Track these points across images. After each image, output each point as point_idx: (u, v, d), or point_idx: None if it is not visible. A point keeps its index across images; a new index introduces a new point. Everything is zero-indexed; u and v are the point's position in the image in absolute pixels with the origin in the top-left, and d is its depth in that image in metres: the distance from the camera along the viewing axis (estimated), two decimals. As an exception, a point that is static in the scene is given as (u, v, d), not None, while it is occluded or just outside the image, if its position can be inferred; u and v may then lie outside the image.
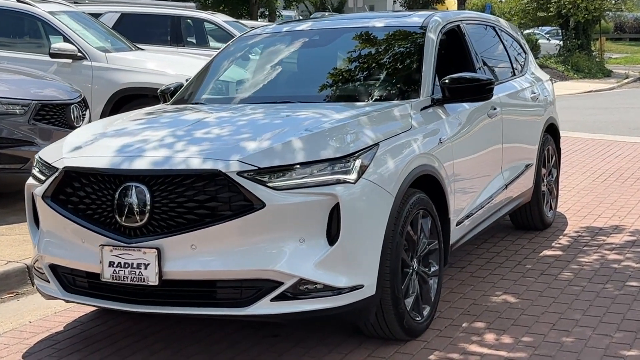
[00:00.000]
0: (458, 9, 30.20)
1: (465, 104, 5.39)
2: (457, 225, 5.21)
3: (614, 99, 22.37)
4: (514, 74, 6.80)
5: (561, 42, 31.90)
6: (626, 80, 27.97)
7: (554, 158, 7.36)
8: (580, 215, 7.72)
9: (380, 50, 5.57)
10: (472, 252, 6.52)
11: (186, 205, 4.01)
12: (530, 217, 7.03)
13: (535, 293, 5.47)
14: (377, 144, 4.32)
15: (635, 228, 7.14)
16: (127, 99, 9.57)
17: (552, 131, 7.34)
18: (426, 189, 4.80)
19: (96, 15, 12.51)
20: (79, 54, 9.65)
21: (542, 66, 28.08)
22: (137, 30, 12.55)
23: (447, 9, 43.17)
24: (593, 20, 31.09)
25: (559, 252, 6.46)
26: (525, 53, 7.37)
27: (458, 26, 6.00)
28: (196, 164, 4.05)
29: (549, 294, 5.45)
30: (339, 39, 5.72)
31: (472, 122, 5.50)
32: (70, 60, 9.65)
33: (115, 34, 11.05)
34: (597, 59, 31.54)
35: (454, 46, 6.05)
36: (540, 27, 36.78)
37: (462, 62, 5.94)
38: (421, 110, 4.98)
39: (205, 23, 13.56)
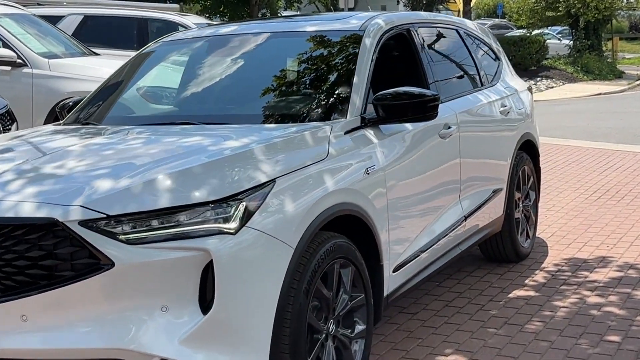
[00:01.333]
0: (463, 9, 29.24)
1: (408, 124, 4.49)
2: (394, 271, 4.31)
3: (623, 102, 21.33)
4: (481, 85, 5.89)
5: (571, 43, 30.84)
6: (638, 82, 26.89)
7: (531, 179, 6.44)
8: (564, 243, 6.79)
9: (306, 59, 4.67)
10: (431, 292, 5.61)
11: (15, 263, 3.13)
12: (502, 248, 6.11)
13: (492, 351, 4.55)
14: (272, 181, 3.42)
15: (624, 260, 6.20)
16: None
17: (529, 148, 6.42)
18: (350, 231, 3.91)
19: (58, 18, 11.68)
20: (19, 60, 8.80)
21: (550, 68, 27.10)
22: (101, 33, 11.71)
23: (458, 9, 42.20)
24: (604, 19, 29.99)
25: (532, 293, 5.54)
26: (498, 60, 6.45)
27: (408, 30, 5.10)
28: (28, 210, 3.16)
29: (509, 352, 4.53)
30: (262, 46, 4.83)
31: (416, 146, 4.60)
32: (9, 68, 8.80)
33: (70, 38, 10.20)
34: (608, 60, 30.44)
35: (401, 54, 5.16)
36: (551, 27, 35.71)
37: (411, 74, 5.05)
38: (346, 133, 4.08)
39: (178, 27, 12.70)
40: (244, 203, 3.26)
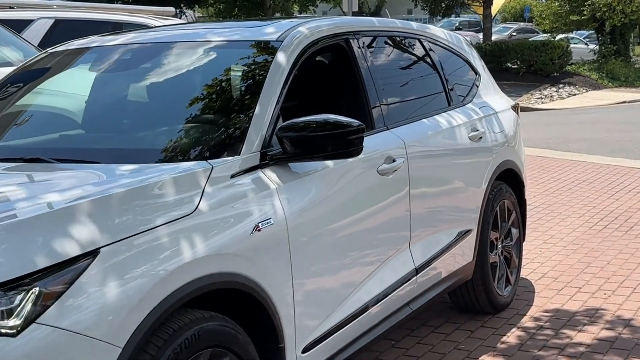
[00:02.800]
0: (484, 12, 28.10)
1: (328, 161, 3.54)
2: (304, 352, 3.36)
3: (648, 111, 20.18)
4: (448, 105, 4.92)
5: (596, 48, 29.62)
6: (666, 89, 25.66)
7: (513, 215, 5.45)
8: (554, 288, 5.79)
9: (198, 78, 3.73)
10: (384, 356, 4.65)
11: None
12: (475, 298, 5.13)
13: None
14: (91, 253, 2.48)
15: (620, 315, 5.19)
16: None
17: (510, 178, 5.44)
18: (232, 307, 2.98)
19: (27, 22, 10.83)
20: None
21: (574, 74, 25.91)
22: (72, 38, 10.81)
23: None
24: (631, 23, 28.75)
25: None
26: (476, 75, 5.47)
27: (347, 40, 4.14)
28: None
29: None
30: (152, 60, 3.90)
31: (341, 187, 3.65)
32: None
33: (28, 43, 9.34)
34: (635, 66, 29.18)
35: (336, 71, 4.23)
36: (577, 31, 34.49)
37: (347, 96, 4.11)
38: (235, 175, 3.14)
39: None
40: (37, 289, 2.32)
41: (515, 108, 5.83)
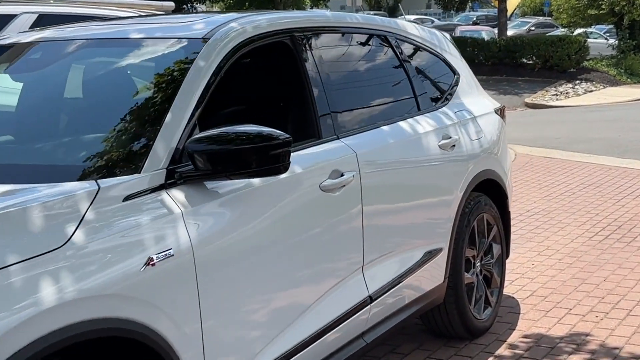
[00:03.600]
0: (499, 6, 27.45)
1: (255, 179, 3.06)
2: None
3: (666, 108, 19.52)
4: (418, 110, 4.41)
5: (615, 42, 28.89)
6: (686, 86, 24.92)
7: (494, 229, 4.94)
8: (541, 309, 5.27)
9: (106, 81, 3.26)
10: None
11: None
12: (448, 322, 4.63)
13: None
14: None
15: (610, 343, 4.67)
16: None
17: (491, 189, 4.93)
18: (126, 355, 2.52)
19: (10, 17, 10.39)
20: None
21: (591, 70, 25.25)
22: (56, 35, 10.38)
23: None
24: (651, 18, 28.00)
25: (472, 396, 4.07)
26: (455, 75, 4.96)
27: (292, 38, 3.65)
28: None
29: None
30: (56, 60, 3.42)
31: (270, 207, 3.16)
32: None
33: None
34: (656, 61, 28.43)
35: (276, 74, 3.74)
36: (595, 26, 33.73)
37: (289, 102, 3.63)
38: (130, 198, 2.65)
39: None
40: None
41: (500, 111, 5.31)
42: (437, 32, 5.08)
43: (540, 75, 24.89)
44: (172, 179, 2.80)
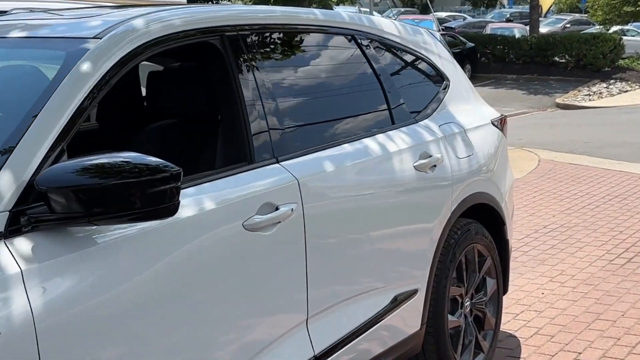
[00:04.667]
0: (530, 2, 26.48)
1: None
2: None
3: None
4: (392, 123, 3.70)
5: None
6: None
7: (488, 261, 4.21)
8: (546, 353, 4.54)
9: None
10: None
11: None
12: (430, 375, 3.91)
13: None
14: None
15: (623, 401, 3.93)
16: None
17: (484, 214, 4.21)
18: None
19: (1, 13, 9.81)
20: None
21: (627, 69, 24.22)
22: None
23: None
24: (690, 14, 26.92)
25: None
26: (443, 80, 4.24)
27: (221, 39, 2.96)
28: None
29: None
30: None
31: (168, 256, 2.46)
32: None
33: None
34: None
35: (199, 84, 3.05)
36: (633, 23, 32.61)
37: (213, 118, 2.94)
38: None
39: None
40: None
41: (500, 122, 4.57)
42: (424, 31, 4.36)
43: (572, 75, 23.96)
44: (17, 225, 2.12)
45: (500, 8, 37.93)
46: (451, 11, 48.47)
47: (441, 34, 20.64)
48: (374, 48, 3.77)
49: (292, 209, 2.88)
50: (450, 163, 3.87)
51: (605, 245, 6.74)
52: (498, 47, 25.26)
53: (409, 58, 4.09)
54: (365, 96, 3.64)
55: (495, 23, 33.21)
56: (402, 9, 43.27)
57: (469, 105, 4.39)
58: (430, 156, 3.74)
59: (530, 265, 6.24)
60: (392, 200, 3.47)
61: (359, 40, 3.70)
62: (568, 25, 38.12)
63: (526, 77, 24.64)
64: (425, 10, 39.55)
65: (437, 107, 4.08)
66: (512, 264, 6.24)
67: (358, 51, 3.70)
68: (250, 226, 2.72)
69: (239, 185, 2.76)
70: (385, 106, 3.71)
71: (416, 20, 31.09)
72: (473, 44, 25.21)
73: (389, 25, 4.01)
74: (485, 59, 25.66)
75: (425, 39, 4.26)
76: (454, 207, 3.87)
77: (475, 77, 24.84)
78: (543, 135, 14.29)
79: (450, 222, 3.84)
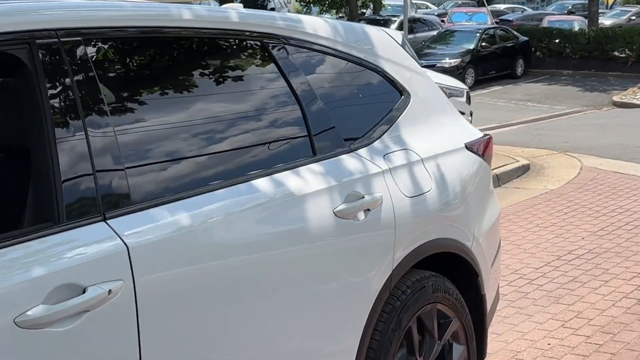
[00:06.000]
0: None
1: None
2: None
3: None
4: (311, 154, 2.83)
5: None
6: None
7: (453, 324, 3.33)
8: None
9: None
10: None
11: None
12: None
13: None
14: None
15: None
16: None
17: (452, 264, 3.33)
18: None
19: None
20: None
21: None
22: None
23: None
24: None
25: None
26: (400, 95, 3.35)
27: (30, 47, 2.15)
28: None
29: None
30: None
31: None
32: None
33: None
34: None
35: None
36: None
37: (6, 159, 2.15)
38: None
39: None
40: None
41: (480, 146, 3.67)
42: (379, 34, 3.46)
43: (633, 70, 22.57)
44: None
45: (563, -1, 36.37)
46: (512, 3, 46.99)
47: (493, 28, 19.52)
48: (292, 57, 2.91)
49: (110, 291, 2.05)
50: (395, 204, 2.99)
51: (637, 279, 5.76)
52: (554, 40, 23.98)
53: (349, 69, 3.22)
54: (270, 121, 2.79)
55: (554, 15, 31.75)
56: (460, 1, 41.94)
57: (436, 125, 3.50)
58: (362, 197, 2.87)
59: (542, 303, 5.31)
60: (295, 261, 2.61)
61: (268, 47, 2.84)
62: (634, 17, 36.40)
63: (583, 72, 23.33)
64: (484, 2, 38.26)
65: (386, 130, 3.20)
66: (521, 302, 5.33)
67: (265, 61, 2.84)
68: (25, 322, 1.90)
69: (19, 262, 1.94)
70: (303, 132, 2.85)
71: (469, 14, 29.96)
72: (527, 38, 23.98)
73: (318, 26, 3.13)
74: (540, 54, 24.41)
75: (376, 42, 3.38)
76: (400, 260, 3.00)
77: (529, 73, 23.66)
78: (592, 138, 13.20)
79: (392, 280, 2.97)
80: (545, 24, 27.73)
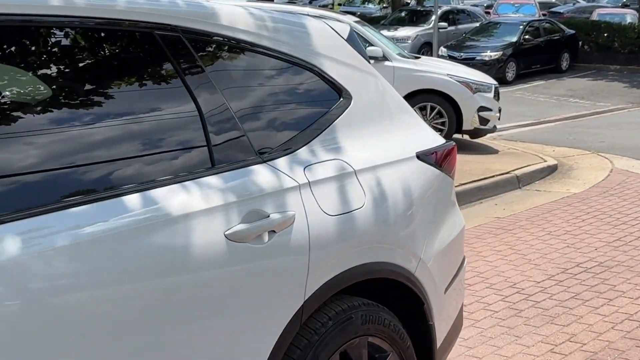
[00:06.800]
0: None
1: None
2: None
3: None
4: (210, 165, 2.45)
5: None
6: None
7: (390, 359, 2.92)
8: None
9: None
10: None
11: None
12: None
13: None
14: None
15: None
16: None
17: (396, 290, 2.94)
18: None
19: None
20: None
21: None
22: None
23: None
24: None
25: None
26: (339, 96, 2.96)
27: None
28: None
29: None
30: None
31: None
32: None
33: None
34: None
35: None
36: None
37: None
38: None
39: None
40: None
41: (438, 156, 3.25)
42: (316, 26, 3.06)
43: (685, 66, 21.76)
44: None
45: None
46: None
47: (537, 20, 18.88)
48: (193, 52, 2.53)
49: None
50: (311, 224, 2.59)
51: (644, 298, 5.28)
52: (602, 34, 23.18)
53: (274, 67, 2.83)
54: (155, 127, 2.40)
55: (606, 8, 30.77)
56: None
57: (384, 132, 3.09)
58: (267, 216, 2.48)
59: (534, 323, 4.87)
60: (167, 296, 2.22)
61: (161, 40, 2.45)
62: (690, 11, 35.19)
63: (631, 68, 22.52)
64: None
65: (315, 137, 2.80)
66: (512, 321, 4.90)
67: (156, 57, 2.46)
68: None
69: None
70: (199, 141, 2.47)
71: (516, 5, 29.19)
72: (573, 31, 23.21)
73: (237, 19, 2.73)
74: (587, 48, 23.62)
75: (317, 40, 2.98)
76: (315, 288, 2.60)
77: (574, 68, 22.92)
78: (630, 137, 12.60)
79: (304, 312, 2.57)
80: (595, 16, 26.86)
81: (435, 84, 10.99)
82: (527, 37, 21.58)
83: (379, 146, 3.02)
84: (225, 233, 2.36)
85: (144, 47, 2.47)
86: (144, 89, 2.43)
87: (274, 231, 2.49)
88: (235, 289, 2.39)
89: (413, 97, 10.79)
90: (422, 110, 11.03)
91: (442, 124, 11.05)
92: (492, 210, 7.96)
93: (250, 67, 2.77)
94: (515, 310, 5.11)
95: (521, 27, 21.88)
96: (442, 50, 20.43)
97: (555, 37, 22.56)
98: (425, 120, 11.39)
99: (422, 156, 3.16)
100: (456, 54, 20.22)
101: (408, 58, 11.69)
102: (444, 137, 10.85)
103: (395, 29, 22.64)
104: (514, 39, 21.19)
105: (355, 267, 2.75)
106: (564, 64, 22.68)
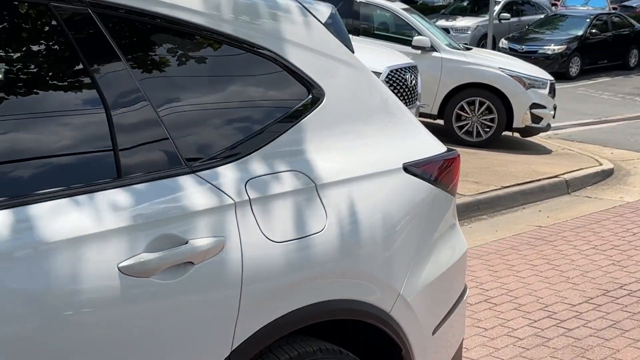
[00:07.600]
0: None
1: None
2: None
3: None
4: (116, 175, 1.94)
5: None
6: None
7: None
8: None
9: None
10: None
11: None
12: None
13: None
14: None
15: None
16: None
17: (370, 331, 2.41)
18: None
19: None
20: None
21: None
22: None
23: None
24: None
25: None
26: (308, 93, 2.42)
27: None
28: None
29: None
30: None
31: None
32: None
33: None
34: None
35: None
36: None
37: None
38: None
39: None
40: None
41: (435, 168, 2.69)
42: (287, 7, 2.51)
43: None
44: None
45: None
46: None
47: (606, 14, 17.96)
48: (105, 32, 2.01)
49: None
50: (246, 253, 2.06)
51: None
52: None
53: (225, 55, 2.30)
54: (40, 126, 1.89)
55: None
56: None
57: (364, 137, 2.53)
58: (184, 243, 1.95)
59: (562, 355, 4.31)
60: (32, 344, 1.72)
61: (58, 14, 1.94)
62: None
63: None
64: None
65: (268, 142, 2.26)
66: (535, 352, 4.31)
67: (51, 35, 1.95)
68: None
69: None
70: (102, 144, 1.95)
71: (585, -2, 28.05)
72: (644, 26, 22.20)
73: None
74: (659, 45, 22.55)
75: (285, 25, 2.43)
76: (249, 334, 2.08)
77: (642, 66, 21.90)
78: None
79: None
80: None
81: (485, 78, 10.34)
82: (593, 31, 20.63)
83: (355, 155, 2.47)
84: (120, 265, 1.84)
85: (36, 22, 1.96)
86: (30, 75, 1.92)
87: (191, 262, 1.96)
88: (130, 338, 1.87)
89: (461, 91, 10.18)
90: (470, 105, 10.40)
91: (491, 120, 10.40)
92: (534, 218, 7.31)
93: (190, 54, 2.24)
94: (543, 338, 4.51)
95: (588, 20, 20.92)
96: (503, 43, 19.64)
97: (625, 32, 21.54)
98: (473, 116, 10.95)
99: (410, 168, 2.59)
100: (517, 47, 19.40)
101: (458, 49, 11.04)
102: (492, 134, 10.50)
103: (455, 19, 21.87)
104: (580, 33, 20.26)
105: (307, 307, 2.21)
106: (632, 61, 21.66)
